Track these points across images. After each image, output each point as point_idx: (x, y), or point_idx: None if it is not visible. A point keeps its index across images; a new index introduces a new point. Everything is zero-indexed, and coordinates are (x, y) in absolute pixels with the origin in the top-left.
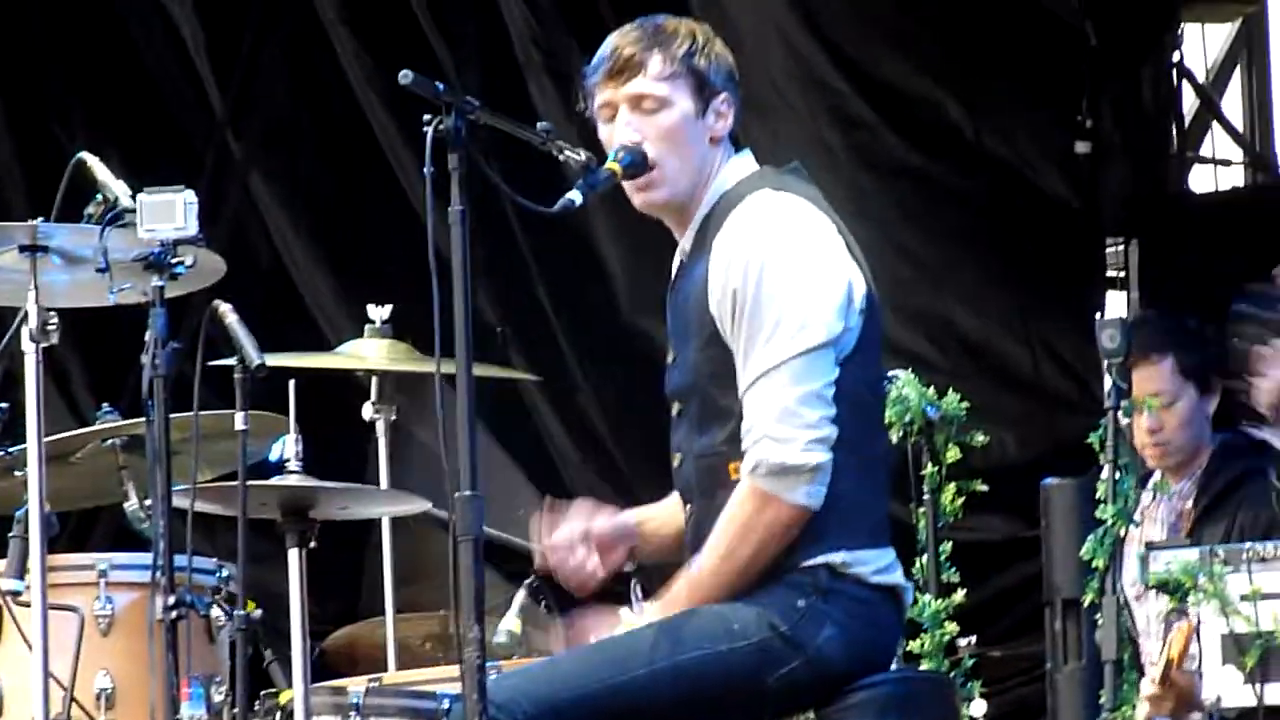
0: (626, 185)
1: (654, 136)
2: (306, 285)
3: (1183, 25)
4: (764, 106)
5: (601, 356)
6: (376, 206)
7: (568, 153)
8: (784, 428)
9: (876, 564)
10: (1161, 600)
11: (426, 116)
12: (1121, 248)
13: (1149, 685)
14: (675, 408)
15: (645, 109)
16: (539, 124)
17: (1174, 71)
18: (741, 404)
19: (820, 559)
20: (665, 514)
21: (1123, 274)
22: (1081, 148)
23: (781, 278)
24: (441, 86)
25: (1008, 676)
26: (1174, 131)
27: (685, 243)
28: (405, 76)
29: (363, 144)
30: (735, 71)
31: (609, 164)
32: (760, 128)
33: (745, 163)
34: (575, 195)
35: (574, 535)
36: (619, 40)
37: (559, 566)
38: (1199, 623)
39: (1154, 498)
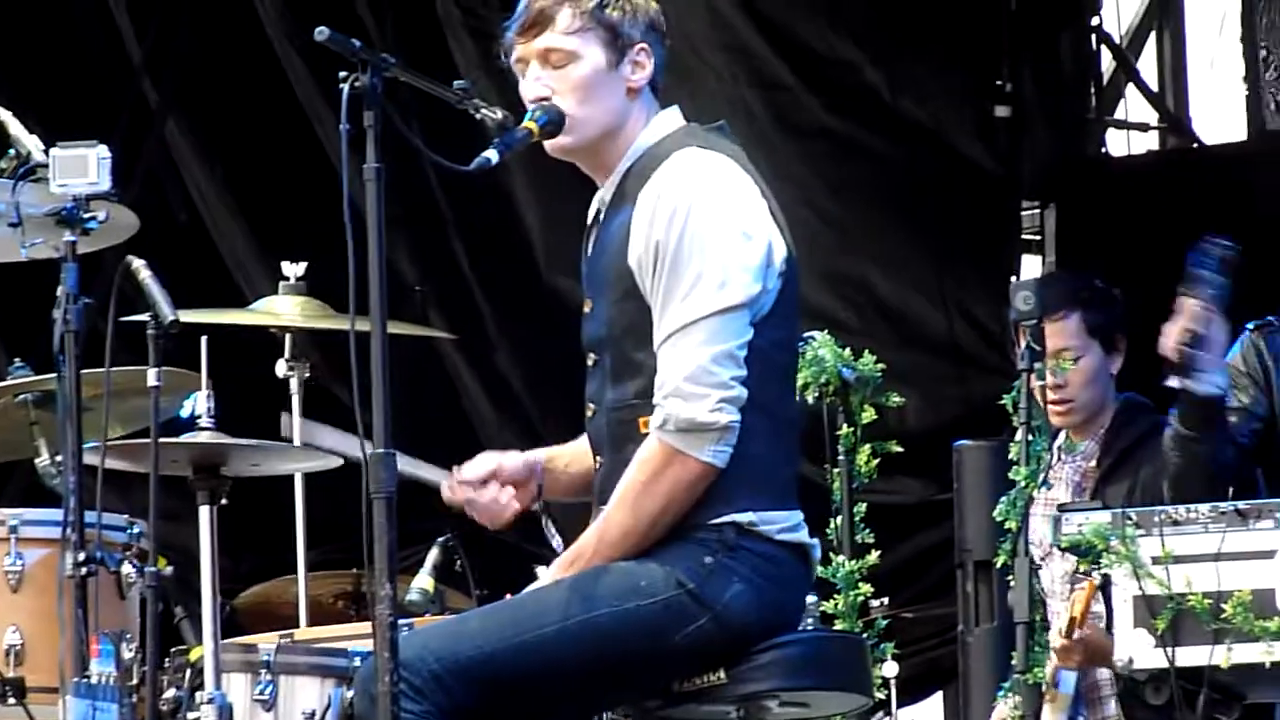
0: None
1: (564, 90)
2: (223, 241)
3: None
4: (683, 68)
5: (518, 315)
6: (294, 163)
7: (484, 111)
8: (695, 385)
9: (784, 523)
10: (1068, 560)
11: (343, 74)
12: (1038, 211)
13: (1056, 638)
14: (590, 359)
15: (554, 63)
16: (456, 82)
17: (1093, 36)
18: (655, 358)
19: (728, 517)
20: (571, 453)
21: (1039, 238)
22: (1001, 111)
23: (704, 234)
24: (357, 43)
25: (920, 638)
26: (1093, 96)
27: (605, 193)
28: (321, 33)
29: (281, 100)
30: (658, 22)
31: (526, 122)
32: (679, 89)
33: (672, 118)
34: (491, 154)
35: (484, 471)
36: None
37: (469, 502)
38: (1102, 581)
39: (1059, 458)
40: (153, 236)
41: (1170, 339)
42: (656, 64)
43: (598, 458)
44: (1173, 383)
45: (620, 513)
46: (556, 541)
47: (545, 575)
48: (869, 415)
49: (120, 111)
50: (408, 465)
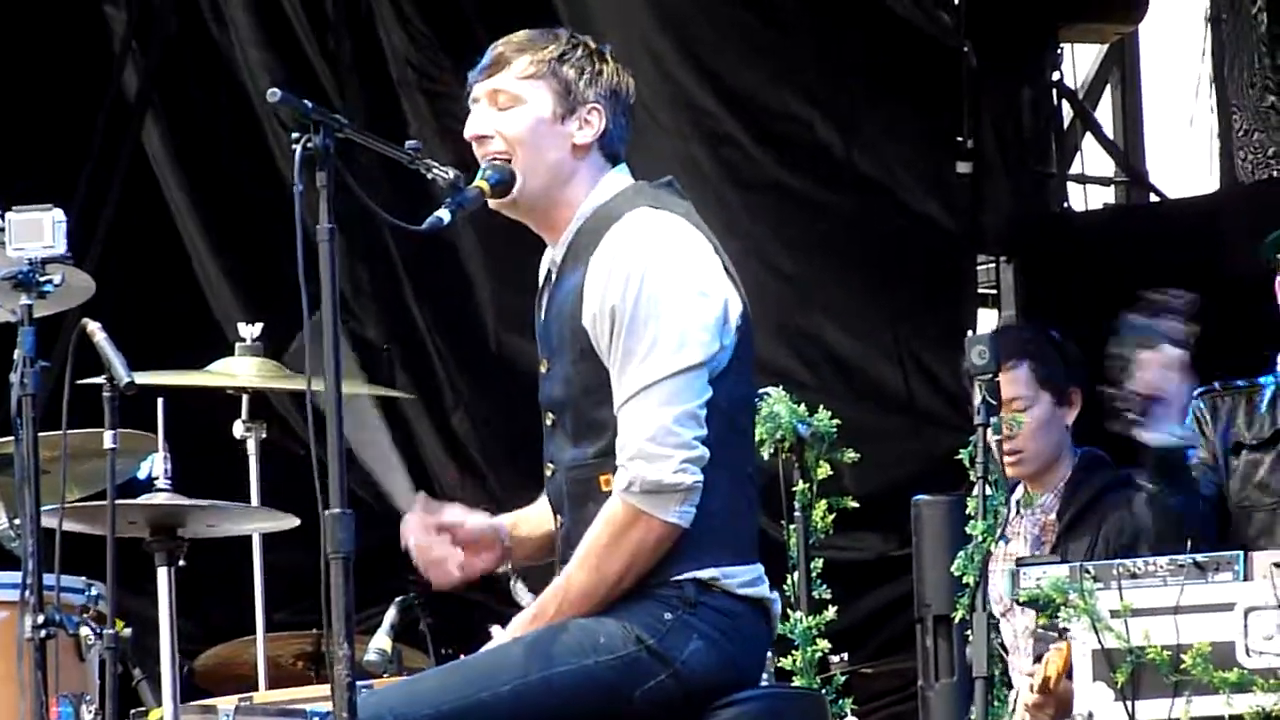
0: None
1: (503, 133)
2: (180, 303)
3: (1061, 45)
4: (633, 124)
5: (474, 375)
6: (265, 223)
7: (435, 171)
8: (658, 446)
9: (743, 578)
10: (1029, 615)
11: (295, 135)
12: (994, 266)
13: (1027, 694)
14: (548, 419)
15: (500, 104)
16: (408, 142)
17: (1053, 90)
18: (615, 419)
19: (688, 574)
20: (536, 517)
21: (995, 292)
22: (963, 167)
23: (659, 296)
24: (309, 104)
25: (880, 694)
26: (1054, 151)
27: (556, 253)
28: (274, 94)
29: (259, 159)
30: (622, 92)
31: (477, 181)
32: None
33: (620, 177)
34: (444, 213)
35: (444, 519)
36: (504, 40)
37: (420, 553)
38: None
39: (1017, 512)
40: (109, 298)
41: (1135, 387)
42: (611, 129)
43: (558, 516)
44: (1117, 428)
45: (583, 572)
46: (527, 600)
47: (503, 634)
48: (824, 471)
49: (80, 169)
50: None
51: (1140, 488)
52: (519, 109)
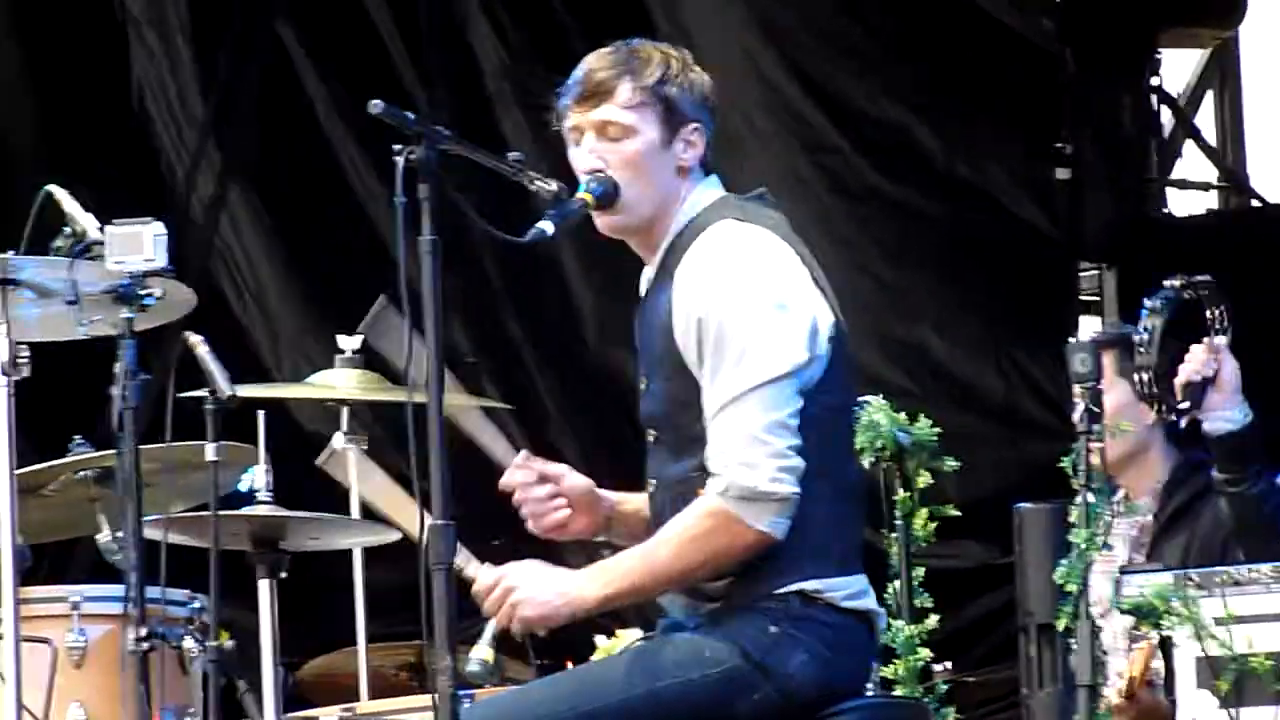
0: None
1: (617, 164)
2: (278, 318)
3: (1160, 50)
4: (733, 133)
5: (571, 388)
6: (346, 238)
7: (538, 183)
8: (753, 453)
9: (848, 590)
10: (1127, 617)
11: (396, 146)
12: (1096, 273)
13: (1114, 695)
14: (650, 436)
15: (610, 136)
16: (509, 154)
17: (1153, 96)
18: (707, 431)
19: (793, 586)
20: (641, 500)
21: (1097, 299)
22: (1061, 174)
23: (745, 308)
24: (412, 116)
25: (983, 702)
26: (1154, 156)
27: (650, 269)
28: (375, 106)
29: (332, 177)
30: (711, 97)
31: (580, 193)
32: (729, 155)
33: (711, 189)
34: (546, 225)
35: (548, 469)
36: (592, 63)
37: (523, 493)
38: (1160, 640)
39: (1116, 516)
40: (210, 313)
41: (1183, 377)
42: (709, 142)
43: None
44: (1182, 421)
45: (663, 552)
46: None
47: (610, 646)
48: (925, 479)
49: (176, 189)
50: (481, 432)
51: (1216, 482)
52: (629, 140)
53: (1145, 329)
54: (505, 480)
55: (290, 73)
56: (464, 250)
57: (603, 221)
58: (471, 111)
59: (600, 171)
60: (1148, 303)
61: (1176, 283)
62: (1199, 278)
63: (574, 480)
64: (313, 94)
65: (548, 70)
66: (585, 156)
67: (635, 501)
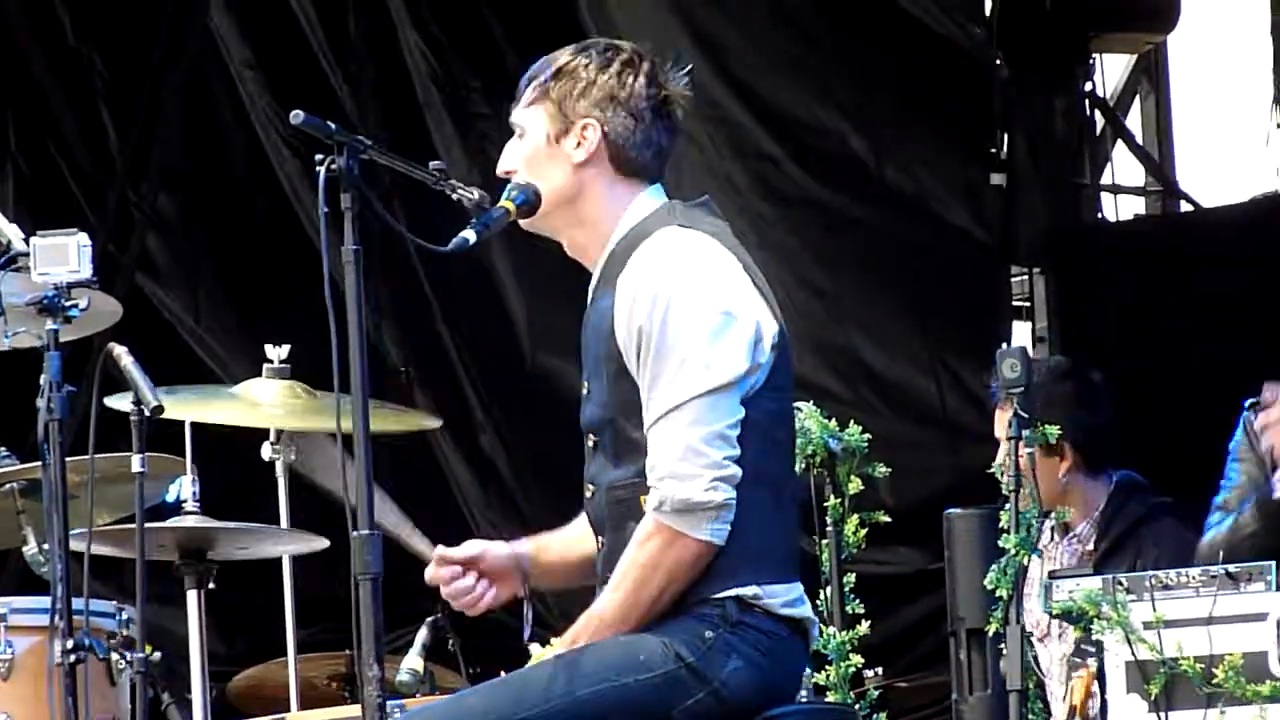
0: None
1: (519, 163)
2: (206, 326)
3: (1093, 55)
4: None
5: (504, 397)
6: (276, 244)
7: (460, 192)
8: (688, 465)
9: (785, 597)
10: (1065, 642)
11: (319, 156)
12: (1027, 277)
13: None
14: (590, 440)
15: (518, 136)
16: (432, 163)
17: (1085, 101)
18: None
19: (730, 592)
20: (562, 541)
21: (1028, 304)
22: (996, 179)
23: (686, 317)
24: (333, 125)
25: (915, 708)
26: (1086, 160)
27: (594, 274)
28: (296, 116)
29: (264, 181)
30: (627, 96)
31: (503, 202)
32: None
33: (654, 199)
34: (469, 234)
35: (465, 556)
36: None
37: (449, 587)
38: (1100, 667)
39: (1053, 537)
40: (135, 323)
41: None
42: (622, 137)
43: (599, 538)
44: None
45: (619, 592)
46: (528, 630)
47: (543, 654)
48: (856, 485)
49: (105, 197)
50: (396, 526)
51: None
52: (524, 138)
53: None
54: (429, 577)
55: (222, 78)
56: (396, 261)
57: (523, 221)
58: (401, 119)
59: (510, 171)
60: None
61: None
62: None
63: (493, 554)
64: (245, 100)
65: (478, 77)
66: (502, 157)
67: (556, 545)
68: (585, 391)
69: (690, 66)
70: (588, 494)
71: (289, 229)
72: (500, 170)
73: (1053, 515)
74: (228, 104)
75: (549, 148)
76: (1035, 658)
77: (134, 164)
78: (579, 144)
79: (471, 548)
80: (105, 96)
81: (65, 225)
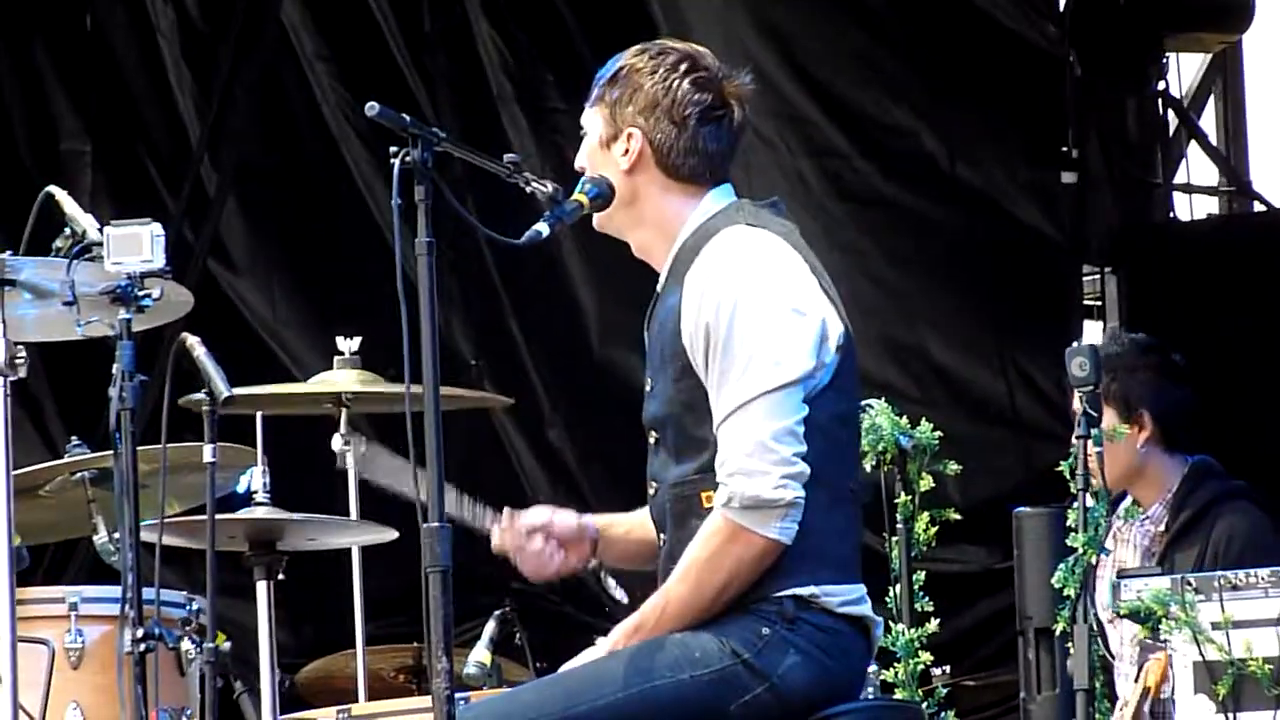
0: None
1: (584, 160)
2: (280, 317)
3: (1166, 54)
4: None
5: (572, 389)
6: (348, 237)
7: (534, 185)
8: (757, 462)
9: (844, 596)
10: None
11: (393, 148)
12: (1099, 277)
13: (1131, 700)
14: (652, 437)
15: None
16: (506, 156)
17: (1159, 100)
18: (715, 437)
19: (788, 590)
20: (631, 521)
21: (1100, 303)
22: (1068, 177)
23: (753, 315)
24: (408, 118)
25: (982, 706)
26: (1158, 160)
27: (662, 272)
28: (372, 108)
29: (336, 175)
30: (673, 103)
31: (575, 195)
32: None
33: (723, 195)
34: (542, 227)
35: (536, 522)
36: None
37: (517, 552)
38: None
39: (1125, 521)
40: (208, 313)
41: None
42: (665, 144)
43: (660, 534)
44: None
45: (683, 586)
46: (620, 594)
47: (604, 643)
48: (926, 483)
49: (178, 190)
50: (458, 508)
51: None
52: (585, 140)
53: None
54: (496, 544)
55: (295, 71)
56: (468, 254)
57: (596, 217)
58: (474, 112)
59: (583, 169)
60: None
61: None
62: None
63: (561, 521)
64: (317, 92)
65: (552, 72)
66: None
67: (622, 524)
68: (648, 388)
69: (751, 65)
70: (650, 491)
71: (361, 221)
72: (577, 165)
73: (1121, 507)
74: (300, 96)
75: (603, 152)
76: (1104, 642)
77: (208, 158)
78: (625, 152)
79: (540, 513)
80: (181, 86)
81: (144, 215)
